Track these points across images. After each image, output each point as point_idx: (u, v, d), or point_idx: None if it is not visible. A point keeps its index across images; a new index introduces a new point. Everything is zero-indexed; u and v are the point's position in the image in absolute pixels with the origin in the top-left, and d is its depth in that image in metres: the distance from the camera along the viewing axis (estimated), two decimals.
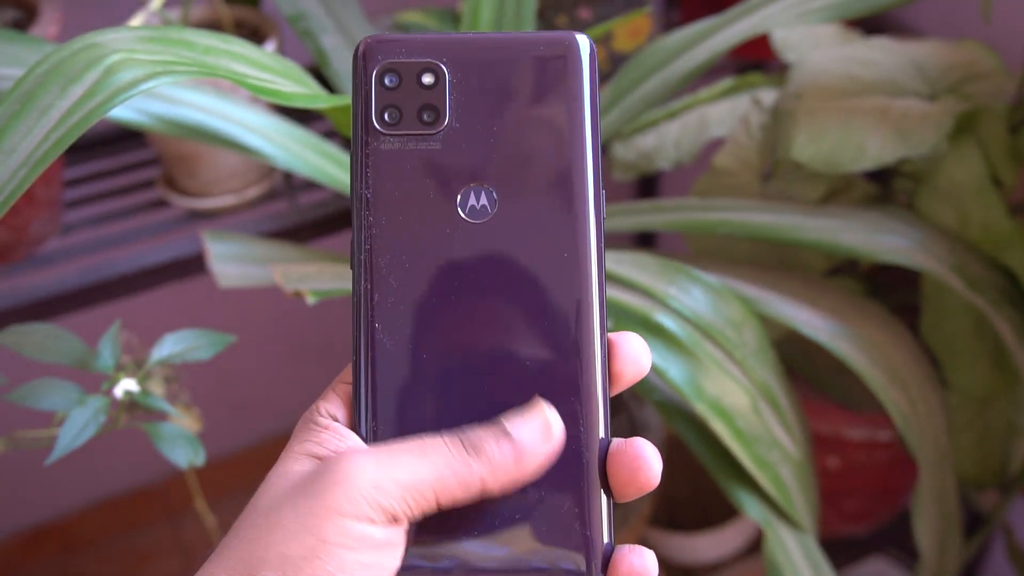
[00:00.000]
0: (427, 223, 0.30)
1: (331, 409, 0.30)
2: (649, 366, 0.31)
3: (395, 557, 0.28)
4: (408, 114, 0.30)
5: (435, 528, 0.29)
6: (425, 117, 0.30)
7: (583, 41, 0.30)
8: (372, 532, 0.27)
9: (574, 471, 0.29)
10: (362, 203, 0.30)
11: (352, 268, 0.30)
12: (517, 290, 0.30)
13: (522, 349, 0.30)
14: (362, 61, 0.30)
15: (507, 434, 0.28)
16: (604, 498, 0.29)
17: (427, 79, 0.30)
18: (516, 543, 0.29)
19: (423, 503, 0.28)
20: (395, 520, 0.28)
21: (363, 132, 0.30)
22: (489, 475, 0.28)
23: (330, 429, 0.30)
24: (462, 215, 0.30)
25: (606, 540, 0.29)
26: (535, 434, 0.28)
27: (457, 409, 0.29)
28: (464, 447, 0.28)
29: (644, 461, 0.29)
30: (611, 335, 0.30)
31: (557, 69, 0.30)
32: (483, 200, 0.30)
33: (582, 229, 0.30)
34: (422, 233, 0.30)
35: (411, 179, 0.30)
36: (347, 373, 0.31)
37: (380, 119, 0.30)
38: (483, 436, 0.29)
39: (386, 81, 0.30)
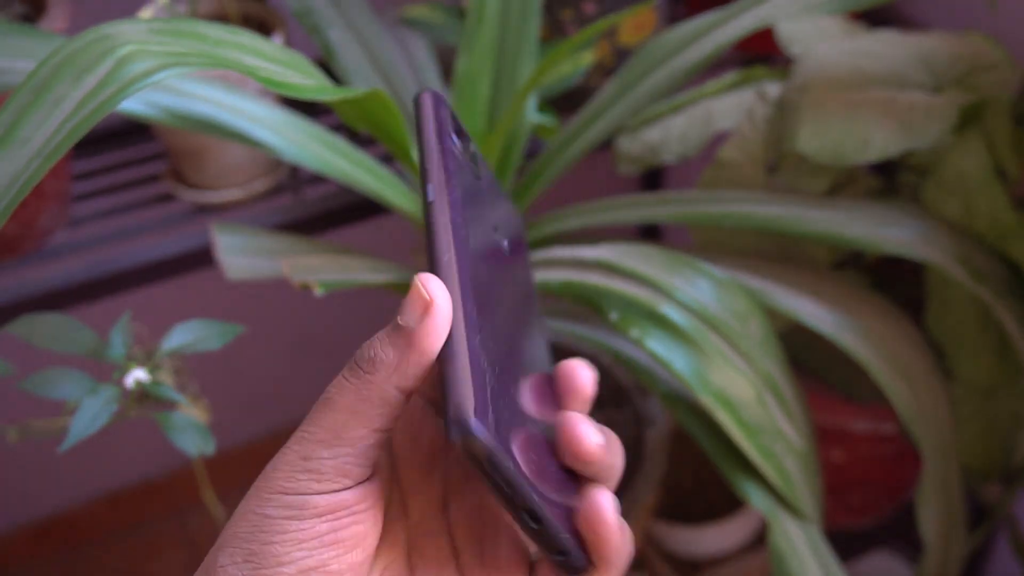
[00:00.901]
0: (484, 239, 0.34)
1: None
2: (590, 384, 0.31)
3: (359, 521, 0.29)
4: (465, 147, 0.36)
5: None
6: (475, 157, 0.36)
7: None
8: (315, 500, 0.28)
9: None
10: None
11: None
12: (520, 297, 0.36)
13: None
14: (437, 99, 0.35)
15: (396, 326, 0.28)
16: None
17: (467, 138, 0.36)
18: None
19: (361, 443, 0.28)
20: (347, 477, 0.28)
21: (442, 139, 0.34)
22: (396, 376, 0.28)
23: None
24: (500, 244, 0.36)
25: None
26: (416, 310, 0.28)
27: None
28: (360, 368, 0.28)
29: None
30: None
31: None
32: (504, 239, 0.37)
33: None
34: (482, 246, 0.34)
35: (473, 193, 0.35)
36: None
37: (453, 135, 0.35)
38: (374, 345, 0.29)
39: (453, 115, 0.36)
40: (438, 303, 0.28)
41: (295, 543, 0.28)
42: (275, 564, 0.28)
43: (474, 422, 0.26)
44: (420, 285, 0.28)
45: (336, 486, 0.28)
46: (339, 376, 0.29)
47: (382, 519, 0.31)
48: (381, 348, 0.28)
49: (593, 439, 0.29)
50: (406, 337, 0.28)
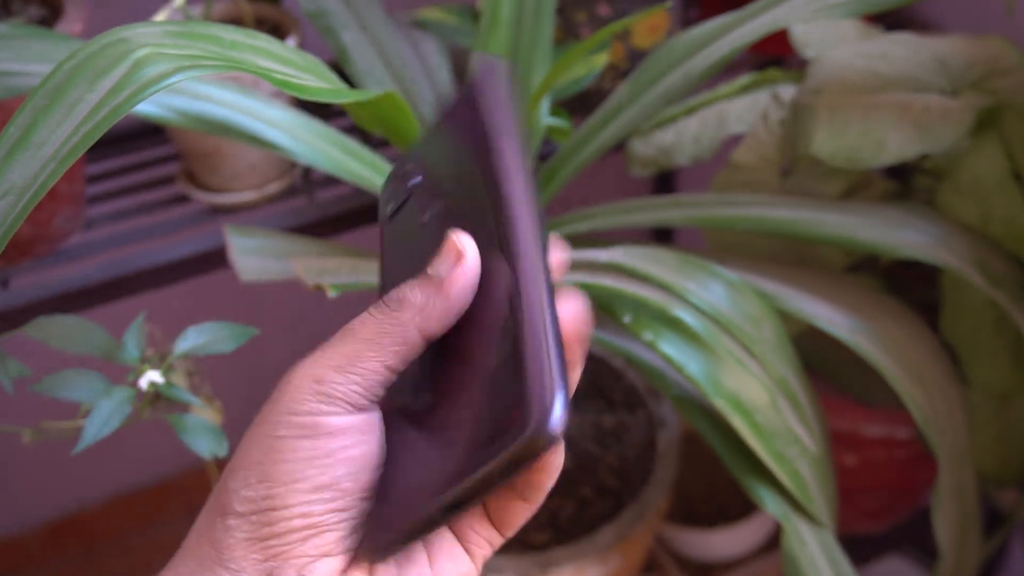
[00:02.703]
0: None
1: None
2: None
3: (366, 443, 0.30)
4: (397, 195, 0.36)
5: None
6: (409, 185, 0.36)
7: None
8: (326, 421, 0.29)
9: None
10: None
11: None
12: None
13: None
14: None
15: (426, 275, 0.30)
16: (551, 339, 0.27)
17: (409, 166, 0.36)
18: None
19: (371, 376, 0.29)
20: (352, 406, 0.29)
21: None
22: (420, 317, 0.29)
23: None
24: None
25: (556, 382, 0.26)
26: (448, 260, 0.30)
27: None
28: (387, 306, 0.30)
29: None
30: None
31: (469, 110, 0.33)
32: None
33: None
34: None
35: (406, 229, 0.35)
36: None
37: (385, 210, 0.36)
38: (403, 288, 0.30)
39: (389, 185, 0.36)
40: (468, 255, 0.30)
41: (308, 460, 0.29)
42: (289, 481, 0.28)
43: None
44: (455, 239, 0.30)
45: (342, 411, 0.29)
46: (364, 312, 0.30)
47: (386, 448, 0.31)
48: (410, 291, 0.30)
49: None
50: (436, 284, 0.30)
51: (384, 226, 0.35)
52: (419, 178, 0.35)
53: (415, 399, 0.31)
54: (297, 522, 0.28)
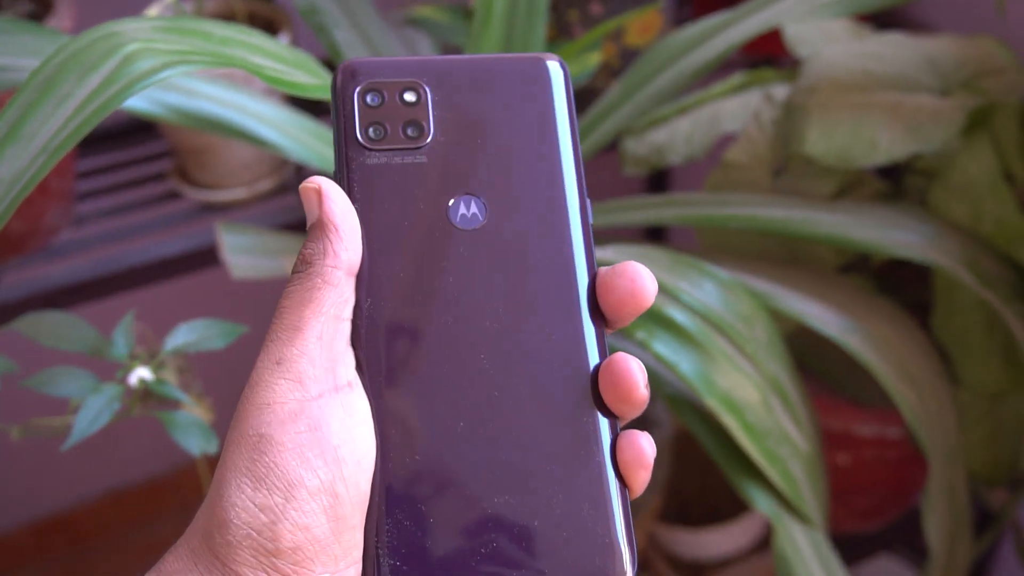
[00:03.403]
0: (420, 233, 0.30)
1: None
2: (652, 289, 0.31)
3: (348, 425, 0.28)
4: (393, 130, 0.31)
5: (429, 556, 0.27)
6: (409, 132, 0.31)
7: (553, 65, 0.32)
8: (303, 407, 0.27)
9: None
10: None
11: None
12: (515, 289, 0.30)
13: (523, 341, 0.30)
14: (343, 82, 0.31)
15: (307, 231, 0.30)
16: (615, 483, 0.29)
17: (409, 97, 0.31)
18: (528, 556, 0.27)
19: (326, 340, 0.28)
20: (323, 372, 0.28)
21: (347, 149, 0.30)
22: (326, 258, 0.29)
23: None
24: (454, 224, 0.30)
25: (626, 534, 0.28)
26: (313, 201, 0.29)
27: (468, 413, 0.29)
28: (295, 273, 0.30)
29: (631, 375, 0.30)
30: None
31: (531, 87, 0.32)
32: (473, 209, 0.31)
33: (567, 224, 0.31)
34: (417, 243, 0.30)
35: (400, 192, 0.30)
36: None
37: (365, 135, 0.31)
38: (300, 253, 0.30)
39: (368, 100, 0.31)
40: (324, 185, 0.30)
41: (303, 447, 0.27)
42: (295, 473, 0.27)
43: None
44: (304, 185, 0.30)
45: (317, 387, 0.28)
46: (284, 289, 0.30)
47: None
48: (306, 249, 0.29)
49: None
50: (319, 226, 0.29)
51: (350, 153, 0.31)
52: (427, 112, 0.31)
53: (446, 411, 0.29)
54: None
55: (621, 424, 0.30)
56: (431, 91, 0.31)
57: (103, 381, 0.46)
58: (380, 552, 0.27)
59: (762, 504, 0.58)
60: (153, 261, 0.72)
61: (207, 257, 0.72)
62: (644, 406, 0.30)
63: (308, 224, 0.30)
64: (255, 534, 0.26)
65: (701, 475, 0.97)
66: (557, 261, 0.30)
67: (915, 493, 0.92)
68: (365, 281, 0.30)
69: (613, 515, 0.28)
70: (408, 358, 0.29)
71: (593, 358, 0.30)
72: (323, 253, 0.29)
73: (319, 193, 0.29)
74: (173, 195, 0.77)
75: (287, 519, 0.26)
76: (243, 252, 0.62)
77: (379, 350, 0.29)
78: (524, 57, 0.32)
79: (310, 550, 0.26)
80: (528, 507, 0.28)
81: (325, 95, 0.46)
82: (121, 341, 0.47)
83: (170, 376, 0.55)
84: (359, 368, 0.29)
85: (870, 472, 0.88)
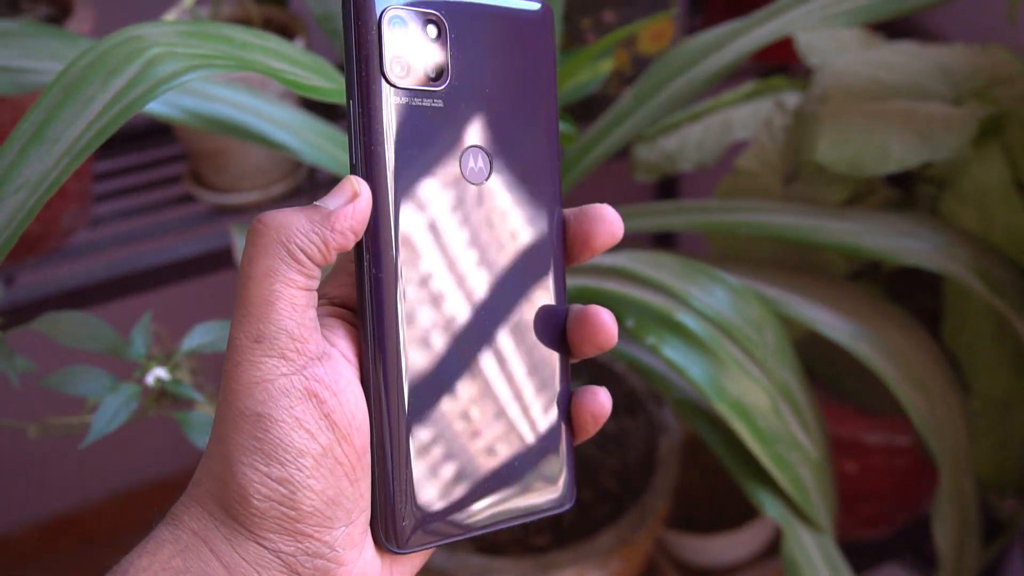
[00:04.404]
0: (438, 185, 0.30)
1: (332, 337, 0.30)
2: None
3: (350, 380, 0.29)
4: (415, 68, 0.29)
5: (427, 508, 0.31)
6: (431, 73, 0.29)
7: (548, 12, 0.32)
8: (289, 380, 0.28)
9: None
10: (376, 160, 0.29)
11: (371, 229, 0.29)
12: (510, 247, 0.31)
13: (512, 297, 0.31)
14: (365, 4, 0.28)
15: (314, 205, 0.29)
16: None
17: (432, 31, 0.29)
18: (500, 493, 0.32)
19: (300, 312, 0.29)
20: (302, 343, 0.29)
21: (370, 82, 0.28)
22: (300, 239, 0.29)
23: (332, 360, 0.29)
24: (465, 177, 0.30)
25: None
26: (343, 196, 0.29)
27: (469, 352, 0.31)
28: (252, 231, 0.29)
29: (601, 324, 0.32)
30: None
31: (535, 32, 0.31)
32: (480, 162, 0.31)
33: (552, 183, 0.32)
34: (434, 196, 0.30)
35: (421, 137, 0.29)
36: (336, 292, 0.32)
37: (391, 69, 0.29)
38: (285, 210, 0.30)
39: (393, 27, 0.29)
40: (364, 197, 0.29)
41: (302, 419, 0.28)
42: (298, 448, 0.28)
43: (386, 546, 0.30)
44: (352, 177, 0.29)
45: (301, 359, 0.29)
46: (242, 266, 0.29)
47: None
48: (292, 214, 0.29)
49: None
50: (322, 214, 0.29)
51: (371, 85, 0.28)
52: (446, 52, 0.30)
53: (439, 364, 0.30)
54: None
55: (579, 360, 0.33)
56: (449, 29, 0.29)
57: (120, 381, 0.46)
58: (396, 495, 0.30)
59: (771, 509, 0.59)
60: (168, 263, 0.72)
61: (221, 259, 0.73)
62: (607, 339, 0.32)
63: (321, 202, 0.29)
64: (278, 505, 0.28)
65: (708, 481, 0.97)
66: (539, 225, 0.32)
67: (923, 501, 0.92)
68: (387, 231, 0.29)
69: (564, 455, 0.33)
70: (414, 314, 0.30)
71: (560, 304, 0.32)
72: (312, 242, 0.29)
73: (356, 196, 0.29)
74: (188, 198, 0.78)
75: (304, 487, 0.28)
76: None
77: (392, 303, 0.29)
78: (526, 5, 0.31)
79: (327, 510, 0.29)
80: (503, 443, 0.31)
81: (341, 99, 0.47)
82: (139, 341, 0.47)
83: (185, 376, 0.56)
84: (359, 314, 0.30)
85: (878, 480, 0.88)
